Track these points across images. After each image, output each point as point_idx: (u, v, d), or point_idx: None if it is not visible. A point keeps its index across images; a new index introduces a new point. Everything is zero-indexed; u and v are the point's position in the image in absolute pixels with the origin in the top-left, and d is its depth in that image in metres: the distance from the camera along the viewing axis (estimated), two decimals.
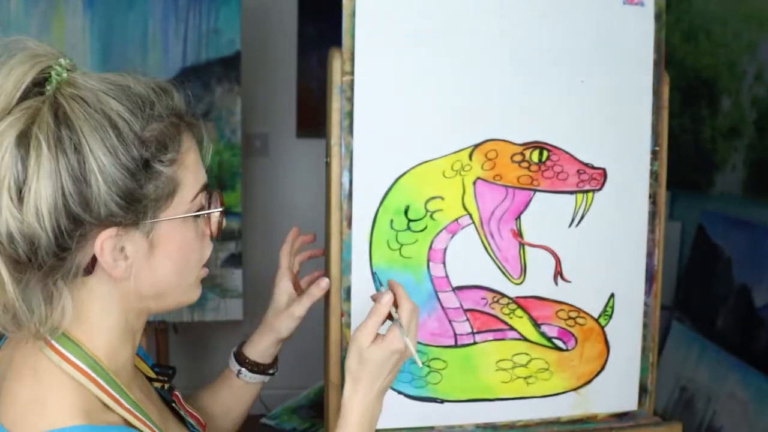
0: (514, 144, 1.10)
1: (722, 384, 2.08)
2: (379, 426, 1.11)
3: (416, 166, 1.07)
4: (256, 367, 1.10)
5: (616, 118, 1.13)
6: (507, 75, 1.09)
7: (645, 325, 1.18)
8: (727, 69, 2.32)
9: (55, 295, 0.76)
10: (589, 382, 1.17)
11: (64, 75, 0.74)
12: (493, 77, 1.08)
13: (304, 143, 3.02)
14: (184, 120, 0.81)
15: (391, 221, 1.07)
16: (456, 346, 1.12)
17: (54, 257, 0.74)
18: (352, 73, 1.04)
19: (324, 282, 1.07)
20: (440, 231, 1.09)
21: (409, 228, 1.08)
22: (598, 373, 1.18)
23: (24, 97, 0.73)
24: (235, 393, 1.11)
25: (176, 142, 0.78)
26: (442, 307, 1.10)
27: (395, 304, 0.94)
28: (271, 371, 1.12)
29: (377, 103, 1.05)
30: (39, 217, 0.71)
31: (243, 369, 1.10)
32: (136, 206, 0.75)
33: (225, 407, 1.12)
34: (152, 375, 0.97)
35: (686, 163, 2.48)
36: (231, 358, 1.12)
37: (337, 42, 1.04)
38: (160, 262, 0.80)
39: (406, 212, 1.07)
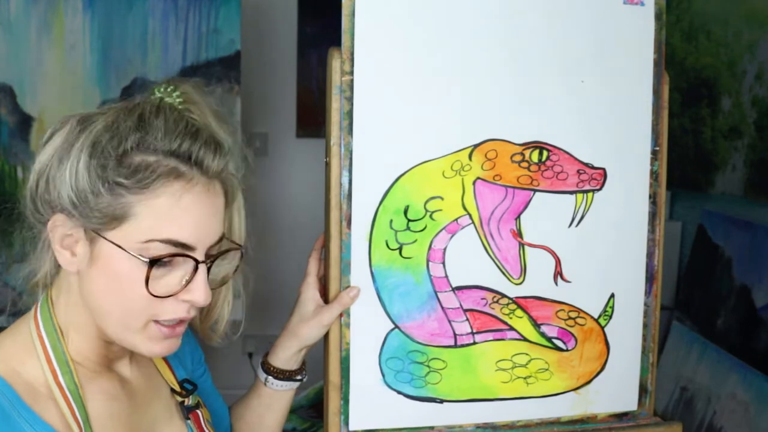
0: (514, 144, 1.09)
1: (722, 384, 2.08)
2: (379, 426, 1.11)
3: (416, 166, 1.07)
4: (282, 374, 1.10)
5: (616, 118, 1.13)
6: (507, 75, 1.09)
7: (645, 326, 1.18)
8: (727, 69, 2.32)
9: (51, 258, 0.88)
10: (589, 382, 1.17)
11: (157, 96, 0.88)
12: (493, 77, 1.08)
13: (304, 143, 3.01)
14: (200, 172, 0.84)
15: (391, 221, 1.07)
16: (456, 346, 1.12)
17: (32, 215, 0.87)
18: (351, 73, 1.04)
19: (354, 290, 1.06)
20: (440, 231, 1.09)
21: (408, 228, 1.08)
22: (598, 373, 1.18)
23: None
24: (264, 401, 1.12)
25: (151, 178, 0.82)
26: (442, 308, 1.10)
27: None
28: (298, 377, 1.12)
29: (377, 103, 1.05)
30: (32, 174, 0.86)
31: (269, 377, 1.10)
32: (83, 208, 0.82)
33: (256, 416, 1.13)
34: (176, 387, 1.00)
35: (686, 163, 2.48)
36: (258, 368, 1.13)
37: (337, 42, 1.03)
38: (95, 277, 0.84)
39: (405, 212, 1.07)
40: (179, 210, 0.82)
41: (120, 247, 0.82)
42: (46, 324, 0.87)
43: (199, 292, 0.84)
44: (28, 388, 0.84)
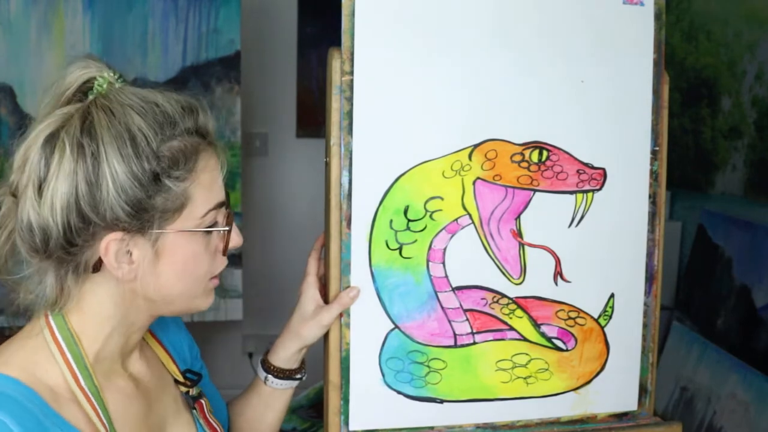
0: (514, 144, 1.10)
1: (722, 384, 2.08)
2: (379, 426, 1.11)
3: (416, 166, 1.07)
4: (282, 373, 1.11)
5: (616, 118, 1.13)
6: (507, 75, 1.09)
7: (645, 326, 1.18)
8: (727, 69, 2.32)
9: (65, 283, 0.85)
10: (588, 382, 1.17)
11: (104, 87, 0.84)
12: (493, 77, 1.08)
13: (304, 143, 3.02)
14: (206, 140, 0.88)
15: (391, 221, 1.07)
16: (456, 346, 1.12)
17: (62, 250, 0.82)
18: (351, 73, 1.04)
19: (354, 291, 1.06)
20: (440, 231, 1.09)
21: (408, 228, 1.08)
22: (598, 373, 1.18)
23: (68, 102, 0.84)
24: (264, 399, 1.13)
25: (191, 160, 0.85)
26: (442, 308, 1.10)
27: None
28: (298, 376, 1.13)
29: (377, 103, 1.05)
30: (53, 211, 0.80)
31: (269, 376, 1.11)
32: (142, 215, 0.83)
33: (256, 413, 1.14)
34: (180, 378, 1.02)
35: (686, 163, 2.48)
36: (258, 366, 1.13)
37: (337, 42, 1.03)
38: (164, 270, 0.87)
39: (405, 212, 1.07)
40: (216, 176, 0.90)
41: (187, 231, 0.86)
42: (62, 331, 0.87)
43: (239, 237, 0.94)
44: (52, 393, 0.84)
